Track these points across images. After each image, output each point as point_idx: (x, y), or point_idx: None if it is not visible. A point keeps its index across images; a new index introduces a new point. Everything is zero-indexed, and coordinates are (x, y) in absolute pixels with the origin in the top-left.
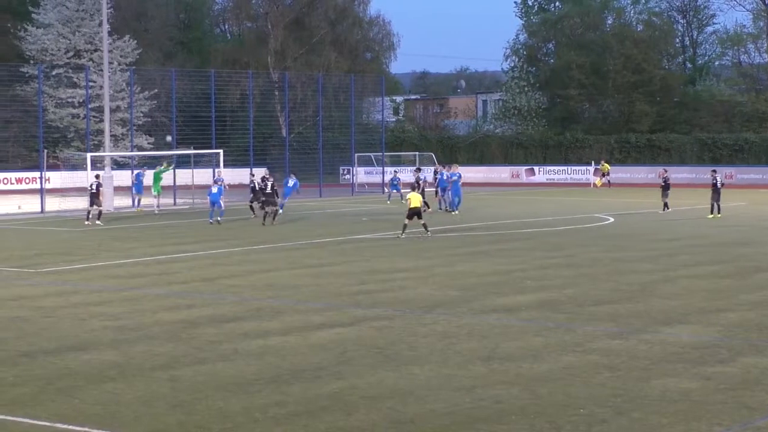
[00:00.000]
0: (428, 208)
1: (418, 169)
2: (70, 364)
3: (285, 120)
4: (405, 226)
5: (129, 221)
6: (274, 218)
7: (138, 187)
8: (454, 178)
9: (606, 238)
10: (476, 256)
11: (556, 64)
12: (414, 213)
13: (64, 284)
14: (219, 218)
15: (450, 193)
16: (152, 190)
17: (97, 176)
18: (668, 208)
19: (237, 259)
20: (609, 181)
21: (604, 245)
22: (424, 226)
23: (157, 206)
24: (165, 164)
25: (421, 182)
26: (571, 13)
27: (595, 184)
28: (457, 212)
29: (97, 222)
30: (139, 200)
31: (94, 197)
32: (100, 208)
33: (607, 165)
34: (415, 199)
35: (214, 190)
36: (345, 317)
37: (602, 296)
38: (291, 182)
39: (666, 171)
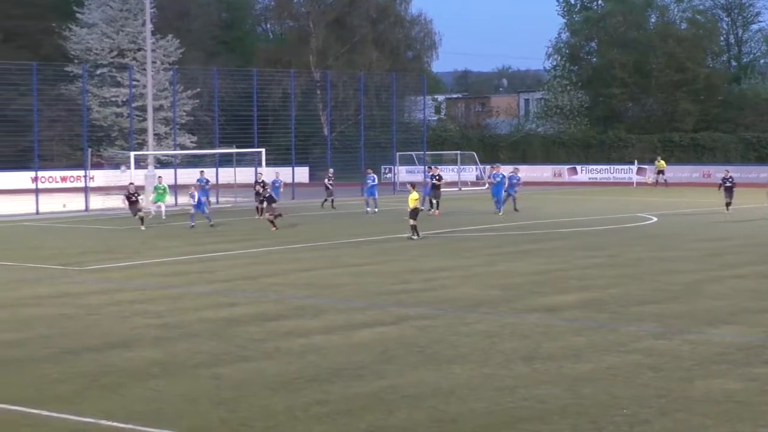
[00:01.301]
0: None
1: (432, 168)
2: (114, 361)
3: (327, 119)
4: (414, 228)
5: (170, 219)
6: (275, 219)
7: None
8: (497, 179)
9: (649, 238)
10: (518, 255)
11: (599, 62)
12: (416, 213)
13: (107, 282)
14: (208, 220)
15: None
16: (153, 198)
17: (131, 184)
18: (729, 209)
19: (278, 258)
20: (666, 180)
21: (648, 245)
22: (414, 228)
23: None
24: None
25: (435, 180)
26: (614, 12)
27: (650, 183)
28: (501, 213)
29: (142, 228)
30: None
31: (134, 204)
32: (141, 213)
33: (663, 162)
34: (412, 200)
35: (193, 200)
36: (386, 316)
37: (646, 296)
38: (370, 181)
39: (728, 171)
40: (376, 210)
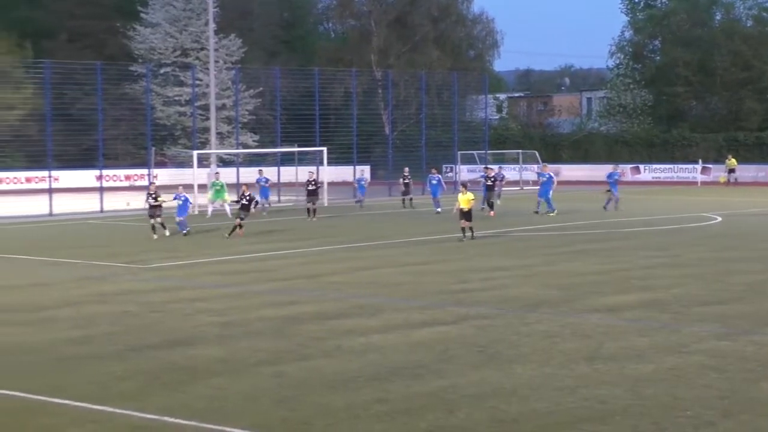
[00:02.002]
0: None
1: (487, 168)
2: (176, 358)
3: (388, 118)
4: (463, 229)
5: (230, 219)
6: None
7: (265, 191)
8: (543, 179)
9: (713, 238)
10: (579, 255)
11: (662, 61)
12: (465, 214)
13: (170, 280)
14: (184, 231)
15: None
16: (212, 196)
17: (152, 184)
18: None
19: (338, 257)
20: (735, 179)
21: (712, 245)
22: (471, 229)
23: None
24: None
25: (490, 181)
26: (678, 10)
27: (722, 182)
28: (547, 212)
29: (166, 233)
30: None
31: (156, 208)
32: (160, 219)
33: (734, 160)
34: (463, 201)
35: (180, 202)
36: (446, 315)
37: (709, 296)
38: (434, 181)
39: None
40: (439, 210)
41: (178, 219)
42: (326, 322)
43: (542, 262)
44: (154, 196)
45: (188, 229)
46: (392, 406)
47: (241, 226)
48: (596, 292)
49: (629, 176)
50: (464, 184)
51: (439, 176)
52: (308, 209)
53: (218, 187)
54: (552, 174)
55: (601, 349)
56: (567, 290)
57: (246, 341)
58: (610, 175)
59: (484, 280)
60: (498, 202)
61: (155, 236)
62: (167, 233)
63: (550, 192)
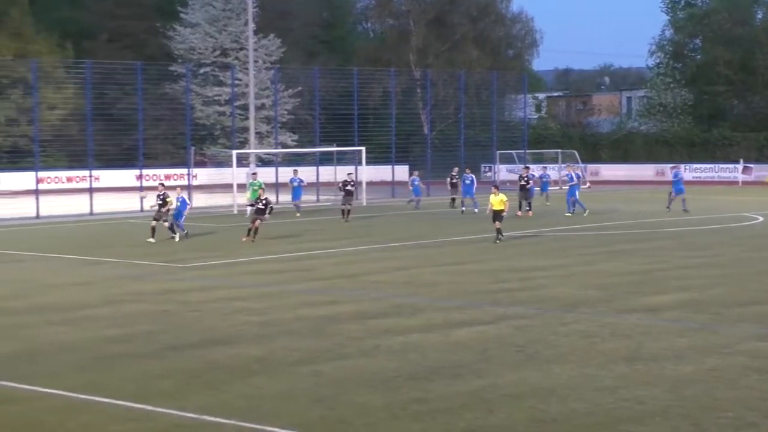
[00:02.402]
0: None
1: (526, 168)
2: (215, 357)
3: (427, 117)
4: (498, 230)
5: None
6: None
7: (297, 191)
8: (567, 180)
9: (754, 238)
10: (617, 254)
11: (703, 59)
12: (496, 216)
13: (208, 279)
14: (183, 233)
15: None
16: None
17: (162, 184)
18: None
19: (377, 256)
20: None
21: (752, 245)
22: (498, 231)
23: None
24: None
25: (524, 181)
26: (719, 8)
27: (766, 182)
28: (575, 213)
29: (176, 238)
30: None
31: (163, 212)
32: (166, 222)
33: None
34: (495, 202)
35: (177, 203)
36: (485, 315)
37: (749, 297)
38: (467, 181)
39: None
40: (476, 210)
41: (175, 221)
42: (365, 322)
43: (580, 262)
44: (162, 198)
45: (186, 231)
46: (431, 405)
47: (256, 230)
48: (635, 292)
49: (669, 176)
50: (496, 185)
51: (473, 176)
52: (343, 210)
53: (256, 188)
54: (574, 174)
55: (641, 349)
56: (605, 290)
57: (284, 340)
58: (675, 174)
59: (522, 280)
60: (547, 203)
61: (152, 240)
62: (177, 238)
63: (576, 192)
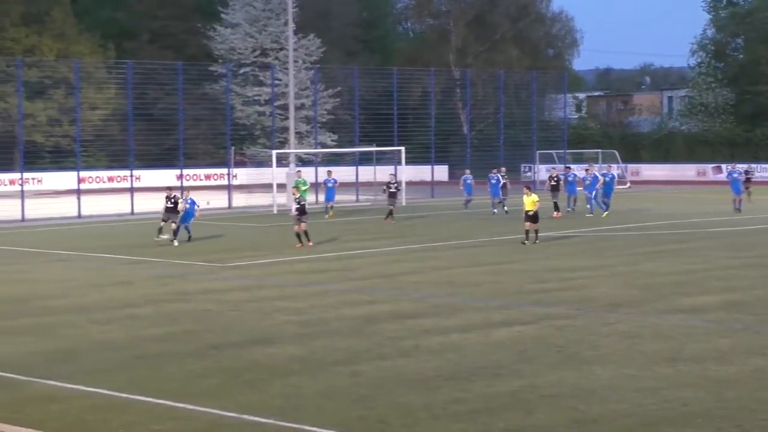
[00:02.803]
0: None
1: (567, 168)
2: (255, 357)
3: (466, 117)
4: (527, 232)
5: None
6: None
7: (330, 192)
8: (587, 182)
9: None
10: (659, 255)
11: (745, 59)
12: (530, 217)
13: (249, 278)
14: (187, 238)
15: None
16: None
17: (171, 188)
18: None
19: (417, 256)
20: None
21: None
22: (536, 232)
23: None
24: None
25: (554, 181)
26: (762, 7)
27: None
28: (604, 214)
29: (167, 237)
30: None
31: (172, 211)
32: (174, 224)
33: None
34: (528, 203)
35: (186, 205)
36: (525, 315)
37: None
38: (493, 181)
39: None
40: (506, 210)
41: (183, 224)
42: (404, 322)
43: (622, 262)
44: (174, 200)
45: (189, 236)
46: (470, 405)
47: (305, 233)
48: (677, 293)
49: (711, 176)
50: (528, 186)
51: (499, 176)
52: (390, 211)
53: (301, 184)
54: (596, 174)
55: (683, 350)
56: (648, 290)
57: (324, 340)
58: (730, 173)
59: (562, 280)
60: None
61: (158, 238)
62: (176, 243)
63: (593, 192)
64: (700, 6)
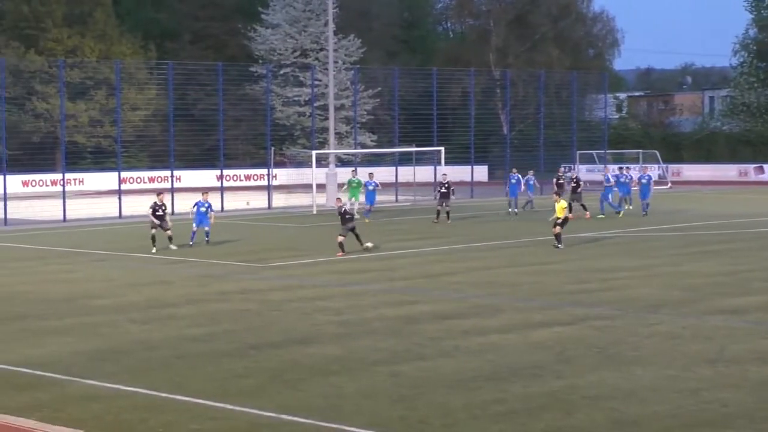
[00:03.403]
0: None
1: (562, 168)
2: (295, 356)
3: (506, 117)
4: (558, 236)
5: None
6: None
7: (371, 195)
8: (607, 183)
9: None
10: (702, 255)
11: None
12: (559, 223)
13: (289, 279)
14: (206, 238)
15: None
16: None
17: (160, 193)
18: None
19: (458, 257)
20: None
21: None
22: (557, 237)
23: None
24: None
25: (566, 182)
26: None
27: None
28: (620, 214)
29: (172, 246)
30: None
31: (161, 219)
32: (169, 230)
33: None
34: (558, 209)
35: (202, 209)
36: (565, 316)
37: None
38: (512, 181)
39: None
40: (531, 208)
41: (199, 228)
42: (444, 322)
43: (664, 262)
44: (162, 207)
45: (207, 239)
46: (510, 406)
47: (357, 237)
48: (719, 294)
49: (753, 176)
50: (557, 192)
51: (519, 175)
52: (438, 211)
53: (354, 185)
54: (611, 175)
55: (724, 351)
56: (689, 291)
57: (364, 340)
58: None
59: (603, 281)
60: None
61: (154, 249)
62: (174, 246)
63: (610, 195)
64: (743, 5)
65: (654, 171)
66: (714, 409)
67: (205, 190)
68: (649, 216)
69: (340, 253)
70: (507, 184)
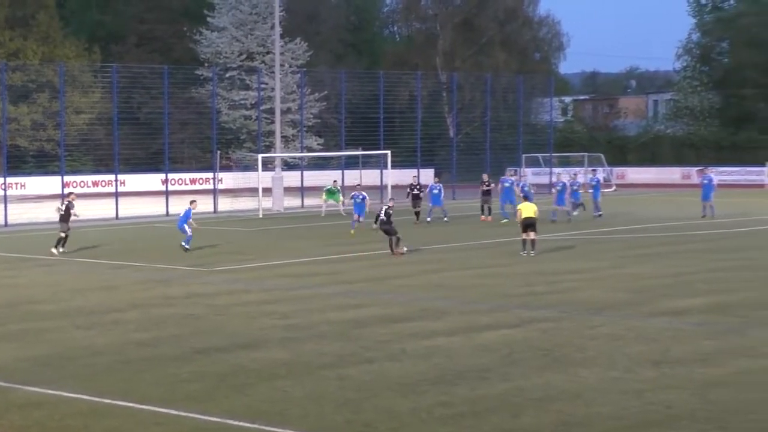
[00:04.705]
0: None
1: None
2: (241, 361)
3: (453, 121)
4: (524, 242)
5: (298, 221)
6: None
7: (436, 198)
8: (558, 187)
9: None
10: (646, 258)
11: (730, 63)
12: (527, 225)
13: (235, 283)
14: (185, 244)
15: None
16: (326, 196)
17: (70, 194)
18: None
19: (406, 260)
20: None
21: None
22: (533, 243)
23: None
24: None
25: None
26: (747, 11)
27: None
28: (571, 216)
29: (60, 249)
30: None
31: (64, 219)
32: (67, 233)
33: None
34: (527, 209)
35: (181, 213)
36: (512, 318)
37: None
38: (436, 190)
39: None
40: (446, 219)
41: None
42: (391, 325)
43: (609, 265)
44: (66, 206)
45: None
46: (457, 409)
47: (395, 243)
48: (663, 296)
49: (696, 179)
50: (525, 196)
51: (441, 185)
52: (417, 213)
53: (331, 190)
54: (565, 183)
55: (668, 352)
56: (633, 293)
57: (310, 344)
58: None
59: (550, 284)
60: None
61: (60, 250)
62: (57, 252)
63: (564, 200)
64: (686, 10)
65: (599, 174)
66: (658, 410)
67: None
68: (595, 219)
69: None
70: (502, 189)
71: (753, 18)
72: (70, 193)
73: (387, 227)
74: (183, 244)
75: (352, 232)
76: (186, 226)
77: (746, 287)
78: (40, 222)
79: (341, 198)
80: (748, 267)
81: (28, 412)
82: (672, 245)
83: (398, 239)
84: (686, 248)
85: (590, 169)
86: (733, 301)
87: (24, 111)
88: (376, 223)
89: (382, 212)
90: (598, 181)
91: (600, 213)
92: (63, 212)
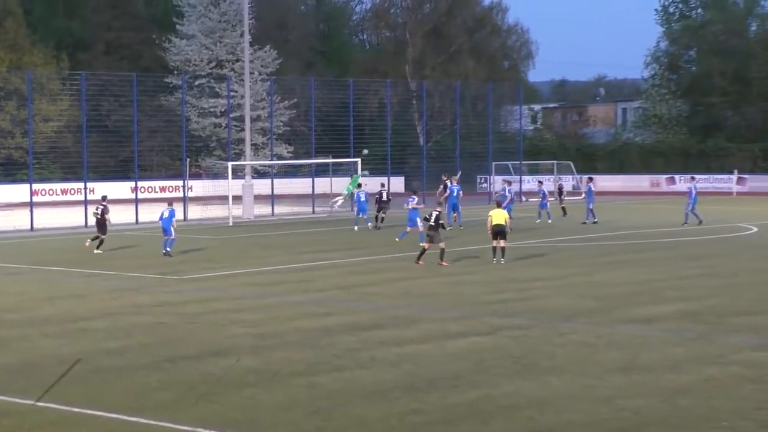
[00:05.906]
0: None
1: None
2: (211, 369)
3: (422, 129)
4: (494, 250)
5: (269, 229)
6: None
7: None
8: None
9: (750, 248)
10: (615, 265)
11: (698, 71)
12: (497, 232)
13: (205, 291)
14: (169, 248)
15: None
16: (347, 190)
17: (104, 197)
18: None
19: (375, 267)
20: None
21: (748, 255)
22: (502, 250)
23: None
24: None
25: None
26: (714, 20)
27: None
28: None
29: (96, 250)
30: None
31: (100, 224)
32: (103, 237)
33: None
34: (498, 216)
35: (165, 214)
36: (482, 326)
37: (745, 307)
38: (363, 197)
39: None
40: (355, 227)
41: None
42: (361, 333)
43: (578, 272)
44: (101, 211)
45: (169, 249)
46: (428, 417)
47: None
48: (632, 303)
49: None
50: (498, 203)
51: (366, 192)
52: (377, 217)
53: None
54: (544, 189)
55: (637, 359)
56: (603, 301)
57: (280, 352)
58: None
59: (519, 291)
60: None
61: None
62: (89, 244)
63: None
64: (654, 19)
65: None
66: (628, 417)
67: (170, 201)
68: (565, 226)
69: (420, 262)
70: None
71: (720, 26)
72: (104, 197)
73: (433, 233)
74: (168, 249)
75: (356, 228)
76: (171, 228)
77: (713, 294)
78: (8, 230)
79: (351, 190)
80: (717, 274)
81: None
82: (640, 252)
83: (442, 251)
84: (654, 255)
85: (587, 178)
86: (702, 308)
87: None
88: (426, 220)
89: (432, 217)
90: (590, 188)
91: (596, 220)
92: (99, 216)
